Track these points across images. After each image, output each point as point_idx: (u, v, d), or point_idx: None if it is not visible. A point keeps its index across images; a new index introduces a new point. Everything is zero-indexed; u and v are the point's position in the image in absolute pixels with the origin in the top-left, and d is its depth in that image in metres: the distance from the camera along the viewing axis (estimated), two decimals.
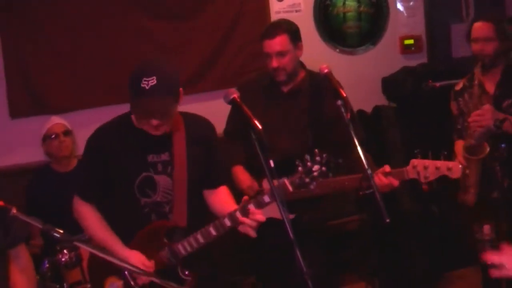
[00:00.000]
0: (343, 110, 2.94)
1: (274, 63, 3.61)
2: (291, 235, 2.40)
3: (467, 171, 3.76)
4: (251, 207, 2.79)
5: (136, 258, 2.86)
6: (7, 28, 4.72)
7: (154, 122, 2.75)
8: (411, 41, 5.69)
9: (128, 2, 4.95)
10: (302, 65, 3.80)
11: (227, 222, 2.83)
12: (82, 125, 4.79)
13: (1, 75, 4.75)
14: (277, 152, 3.09)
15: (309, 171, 2.73)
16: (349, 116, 2.93)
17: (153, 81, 2.66)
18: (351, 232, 4.85)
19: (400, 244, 4.87)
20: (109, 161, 2.91)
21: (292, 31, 3.66)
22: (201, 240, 2.87)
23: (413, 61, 5.63)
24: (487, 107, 3.70)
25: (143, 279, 2.90)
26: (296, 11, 5.36)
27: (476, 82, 3.81)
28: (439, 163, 3.14)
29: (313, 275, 2.41)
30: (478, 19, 3.88)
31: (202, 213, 3.05)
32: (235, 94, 2.67)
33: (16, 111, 4.79)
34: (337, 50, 5.54)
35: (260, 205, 2.81)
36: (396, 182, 3.23)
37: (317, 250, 3.61)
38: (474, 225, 3.93)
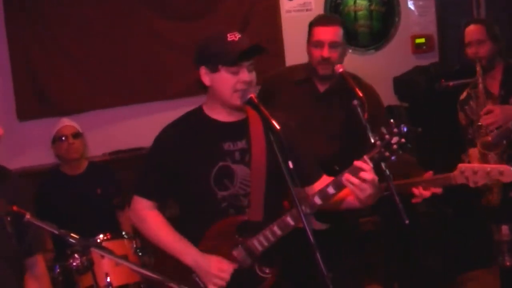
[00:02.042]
0: (359, 110, 2.88)
1: (325, 52, 3.34)
2: (311, 239, 2.33)
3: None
4: (347, 175, 2.50)
5: (213, 263, 2.70)
6: (14, 29, 4.69)
7: (248, 72, 2.64)
8: (422, 40, 5.65)
9: (138, 3, 4.93)
10: None
11: (318, 200, 2.59)
12: (92, 127, 4.76)
13: (9, 77, 4.72)
14: (316, 156, 2.96)
15: (388, 144, 2.48)
16: (366, 117, 2.86)
17: (237, 34, 2.63)
18: (364, 234, 4.79)
19: (415, 245, 4.82)
20: (181, 156, 2.72)
21: (344, 28, 3.44)
22: (278, 232, 2.65)
23: (424, 61, 5.60)
24: (495, 107, 3.70)
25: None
26: (307, 10, 5.31)
27: (480, 80, 3.79)
28: (489, 167, 2.95)
29: (333, 278, 2.34)
30: (469, 23, 3.90)
31: (278, 212, 2.78)
32: (252, 93, 2.61)
33: (24, 114, 4.77)
34: (349, 50, 5.47)
35: (356, 172, 2.51)
36: (439, 190, 3.05)
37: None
38: (492, 226, 3.90)
